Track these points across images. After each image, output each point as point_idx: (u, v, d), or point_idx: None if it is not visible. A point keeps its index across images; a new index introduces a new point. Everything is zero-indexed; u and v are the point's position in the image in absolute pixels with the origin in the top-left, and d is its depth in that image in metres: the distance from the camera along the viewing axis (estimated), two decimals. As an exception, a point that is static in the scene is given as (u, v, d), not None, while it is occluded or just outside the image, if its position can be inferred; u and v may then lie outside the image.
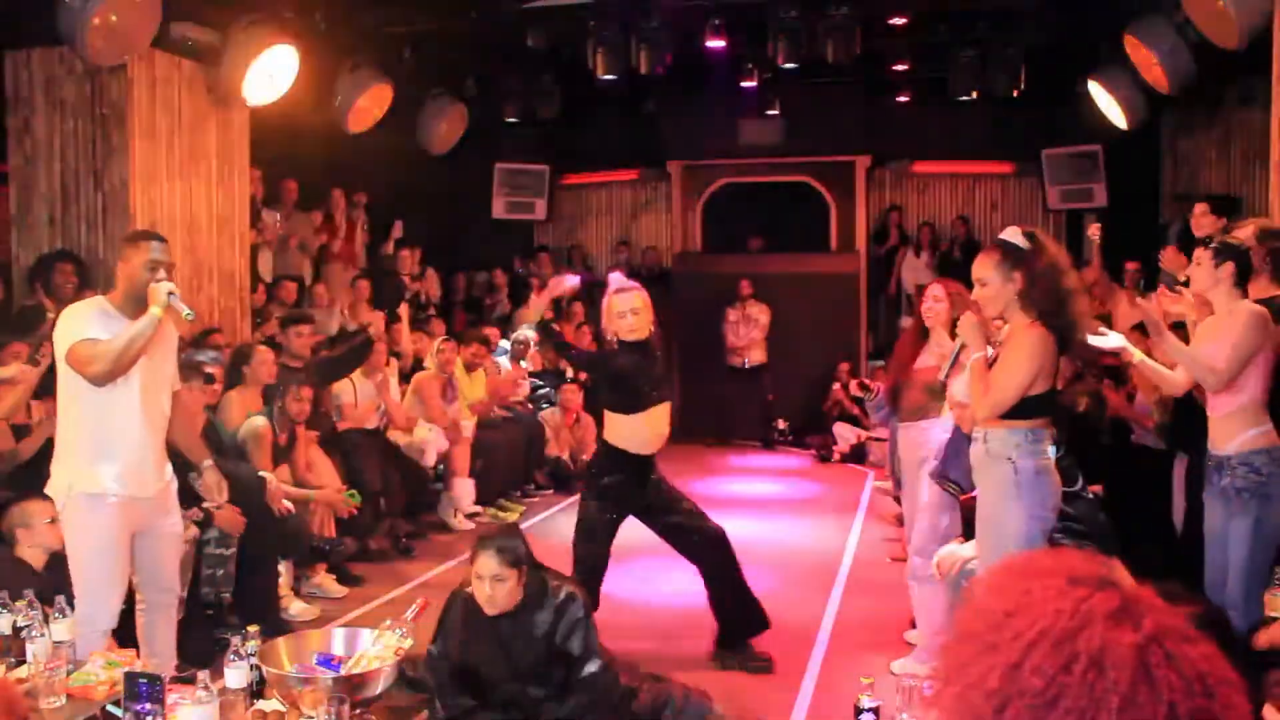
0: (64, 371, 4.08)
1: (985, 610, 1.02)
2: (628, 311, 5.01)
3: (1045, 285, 3.79)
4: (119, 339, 3.95)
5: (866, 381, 5.49)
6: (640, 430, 5.03)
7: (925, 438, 5.03)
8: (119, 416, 4.06)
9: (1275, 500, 4.12)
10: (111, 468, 4.05)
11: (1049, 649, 0.97)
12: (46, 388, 5.19)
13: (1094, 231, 7.19)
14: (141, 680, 2.67)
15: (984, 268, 3.89)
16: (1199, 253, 4.29)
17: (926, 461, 4.98)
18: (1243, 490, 4.13)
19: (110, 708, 3.01)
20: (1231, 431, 4.17)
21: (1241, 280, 4.25)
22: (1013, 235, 3.91)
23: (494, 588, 3.59)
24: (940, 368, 4.31)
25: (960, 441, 4.78)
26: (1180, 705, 0.94)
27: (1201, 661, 0.97)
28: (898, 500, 8.20)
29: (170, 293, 4.01)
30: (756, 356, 11.86)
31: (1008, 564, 1.10)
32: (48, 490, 4.16)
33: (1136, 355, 4.28)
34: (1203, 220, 6.03)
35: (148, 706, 2.67)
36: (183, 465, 5.21)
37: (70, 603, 3.73)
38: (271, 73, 7.61)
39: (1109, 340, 4.13)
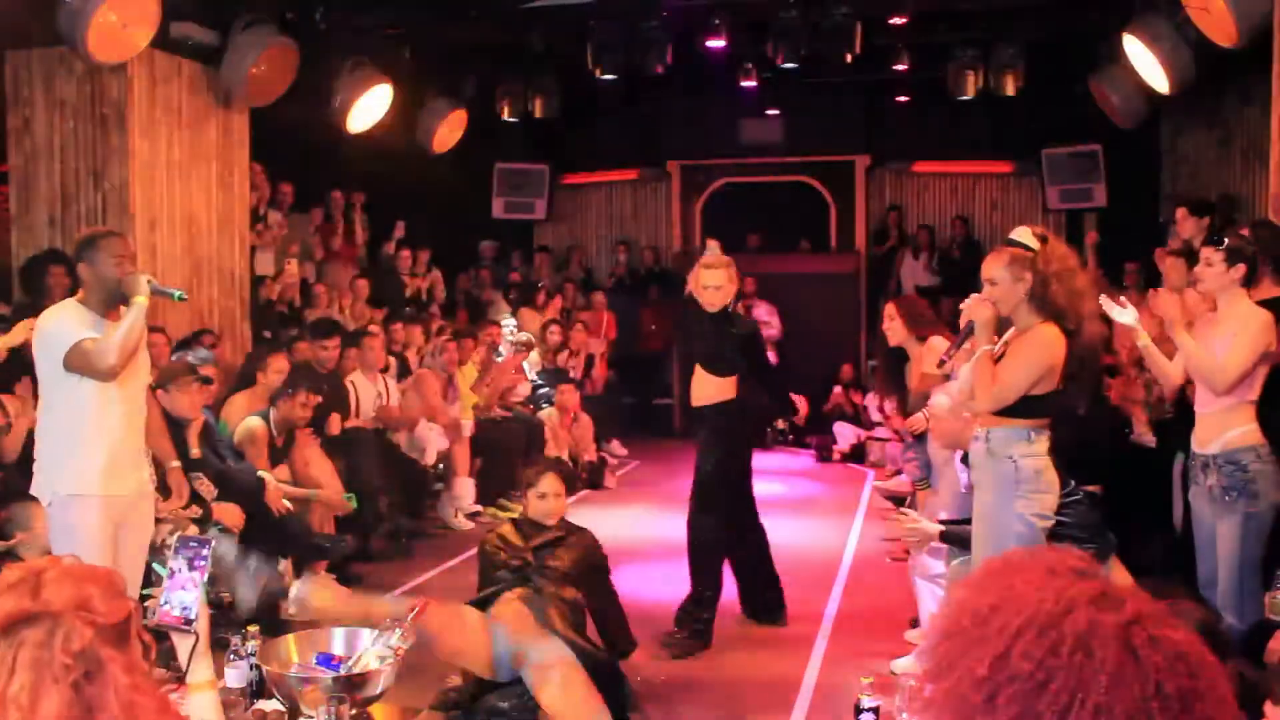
0: (45, 374, 4.09)
1: (970, 606, 1.04)
2: (710, 287, 5.31)
3: (1057, 286, 3.81)
4: (118, 331, 3.99)
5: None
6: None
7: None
8: (100, 414, 4.07)
9: (1263, 497, 4.13)
10: (94, 466, 4.07)
11: (1035, 634, 0.98)
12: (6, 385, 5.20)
13: (1091, 238, 7.28)
14: (191, 542, 2.63)
15: (994, 267, 3.89)
16: (1209, 253, 4.25)
17: (942, 467, 5.01)
18: (1229, 489, 4.13)
19: (155, 565, 2.96)
20: (1217, 430, 4.18)
21: (1248, 281, 4.25)
22: (1024, 235, 3.93)
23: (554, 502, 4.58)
24: (946, 351, 4.24)
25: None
26: (1167, 684, 0.95)
27: (1183, 644, 0.99)
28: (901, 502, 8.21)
29: (149, 280, 4.07)
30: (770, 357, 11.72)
31: (988, 563, 1.12)
32: (33, 491, 4.17)
33: (1144, 338, 4.28)
34: (1185, 224, 6.06)
35: (199, 558, 2.59)
36: (184, 465, 5.22)
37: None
38: (273, 72, 7.61)
39: (1124, 314, 4.13)
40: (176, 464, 4.67)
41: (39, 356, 4.12)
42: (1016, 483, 3.82)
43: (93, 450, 4.07)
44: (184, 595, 2.42)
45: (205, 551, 2.50)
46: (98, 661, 1.53)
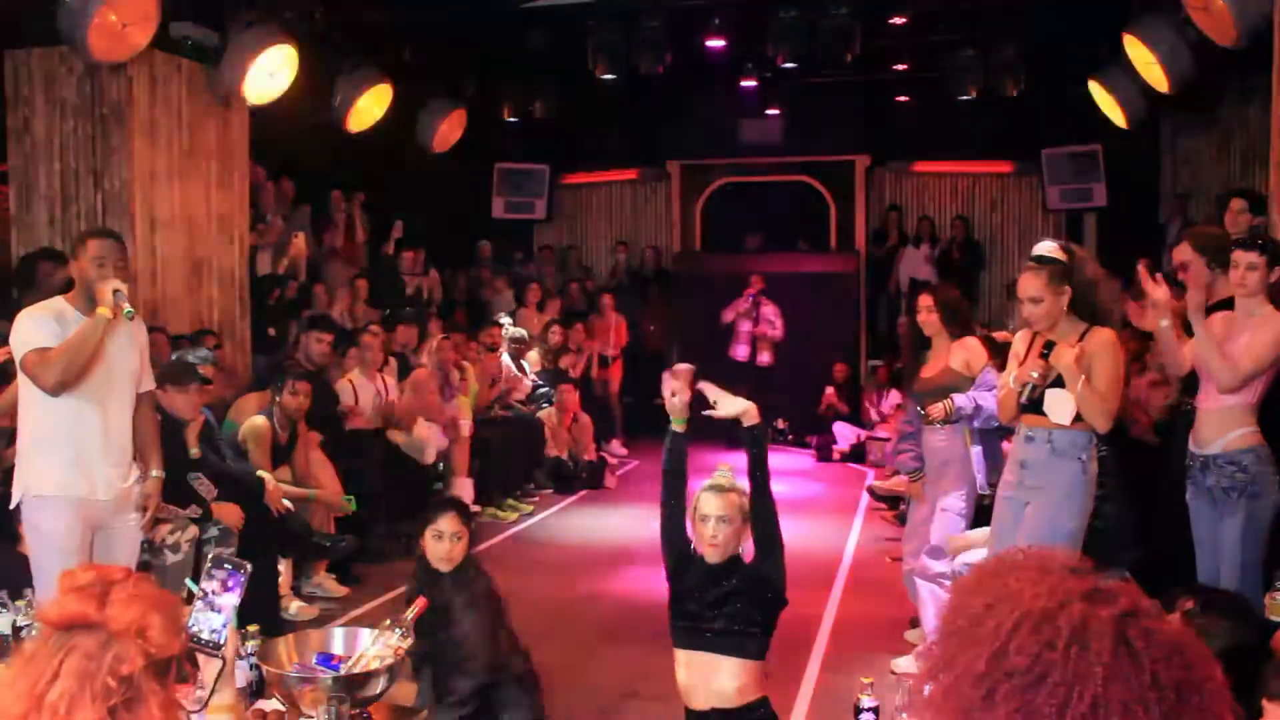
0: (22, 376, 4.06)
1: (966, 606, 1.05)
2: (711, 517, 3.51)
3: (1095, 294, 3.99)
4: (64, 347, 3.93)
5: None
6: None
7: (951, 441, 5.04)
8: (75, 419, 4.03)
9: (1263, 498, 4.13)
10: (67, 468, 4.02)
11: (1031, 629, 0.99)
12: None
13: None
14: (226, 563, 2.59)
15: (1036, 287, 3.99)
16: (1248, 255, 4.15)
17: (948, 465, 5.01)
18: (1230, 489, 4.14)
19: (189, 583, 2.88)
20: (1218, 430, 4.18)
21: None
22: (1051, 250, 4.04)
23: (452, 544, 3.96)
24: (1016, 392, 4.13)
25: (992, 446, 4.95)
26: (1162, 675, 0.96)
27: (1178, 636, 1.00)
28: (892, 503, 8.21)
29: (115, 290, 3.97)
30: (765, 358, 11.67)
31: (981, 565, 1.13)
32: (13, 490, 4.13)
33: (1165, 319, 4.29)
34: (1240, 218, 5.90)
35: (233, 582, 2.55)
36: (183, 465, 5.20)
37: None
38: (272, 71, 7.61)
39: (1158, 290, 4.17)
40: (157, 473, 4.40)
41: (14, 354, 4.08)
42: (1084, 483, 3.99)
43: (63, 451, 4.02)
44: (214, 618, 2.40)
45: (240, 576, 2.48)
46: (140, 692, 1.52)
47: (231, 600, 2.44)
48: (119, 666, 1.51)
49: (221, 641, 2.34)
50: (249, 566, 2.56)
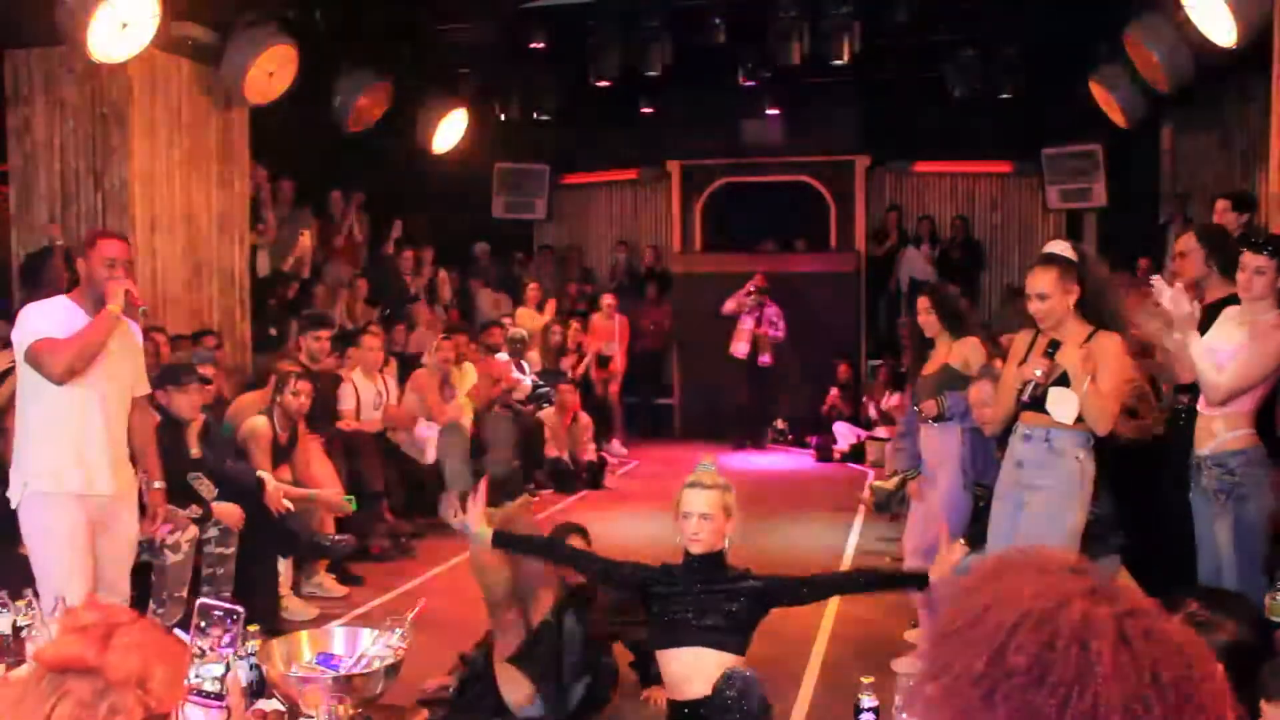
0: (23, 370, 4.08)
1: (965, 607, 1.04)
2: (694, 514, 3.69)
3: (1106, 294, 4.02)
4: (75, 337, 3.97)
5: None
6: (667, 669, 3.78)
7: (946, 439, 5.04)
8: (76, 414, 4.04)
9: (1251, 500, 4.11)
10: (68, 465, 4.03)
11: (1031, 629, 0.99)
12: None
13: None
14: (215, 611, 2.55)
15: (1045, 283, 4.00)
16: (1257, 259, 4.08)
17: (945, 462, 5.01)
18: (1219, 491, 4.14)
19: (178, 631, 2.87)
20: (1212, 433, 4.18)
21: None
22: (1063, 248, 4.07)
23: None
24: (1019, 389, 4.15)
25: (983, 445, 4.91)
26: (1163, 673, 0.96)
27: (1177, 634, 1.00)
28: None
29: (127, 291, 4.03)
30: (766, 358, 11.63)
31: (980, 564, 1.13)
32: (9, 492, 4.12)
33: (1178, 334, 4.28)
34: (1226, 218, 5.90)
35: (227, 630, 2.52)
36: (183, 465, 5.20)
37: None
38: (272, 71, 7.62)
39: (1165, 295, 4.18)
40: (160, 485, 4.46)
41: (16, 350, 4.10)
42: (1082, 482, 4.03)
43: (65, 447, 4.03)
44: (214, 667, 2.37)
45: (233, 622, 2.45)
46: None
47: (228, 650, 2.42)
48: (114, 718, 1.42)
49: (224, 692, 2.31)
50: (241, 610, 2.52)
